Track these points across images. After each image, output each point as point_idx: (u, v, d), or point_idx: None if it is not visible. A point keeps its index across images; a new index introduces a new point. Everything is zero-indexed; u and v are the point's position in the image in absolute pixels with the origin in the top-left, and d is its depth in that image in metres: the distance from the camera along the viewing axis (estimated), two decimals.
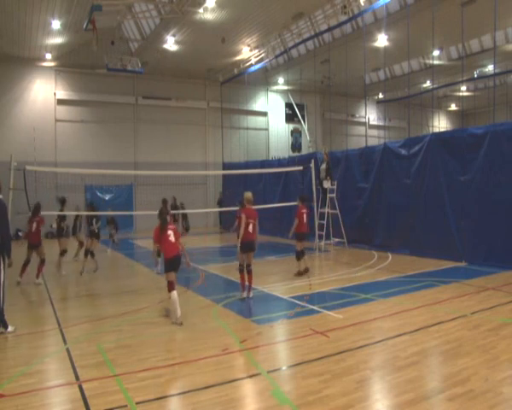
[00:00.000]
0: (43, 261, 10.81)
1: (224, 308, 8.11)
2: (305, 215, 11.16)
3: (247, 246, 8.69)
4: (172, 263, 7.38)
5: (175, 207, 16.60)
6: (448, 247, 12.42)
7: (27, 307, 8.43)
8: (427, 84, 28.06)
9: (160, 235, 7.39)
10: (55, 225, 22.15)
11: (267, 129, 29.44)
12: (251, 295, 8.80)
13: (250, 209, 8.91)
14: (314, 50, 22.09)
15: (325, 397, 4.49)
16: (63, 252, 12.32)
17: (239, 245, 8.64)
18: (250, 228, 8.65)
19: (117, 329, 7.08)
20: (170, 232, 7.42)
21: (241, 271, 8.86)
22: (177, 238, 7.49)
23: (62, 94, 23.03)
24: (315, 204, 15.42)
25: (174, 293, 7.24)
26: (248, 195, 9.09)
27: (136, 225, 24.00)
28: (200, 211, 20.01)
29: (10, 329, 6.87)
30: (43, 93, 22.64)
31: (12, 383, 5.02)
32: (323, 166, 15.64)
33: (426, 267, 11.54)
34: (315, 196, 15.50)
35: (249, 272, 8.81)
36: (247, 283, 8.83)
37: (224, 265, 13.13)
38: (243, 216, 8.68)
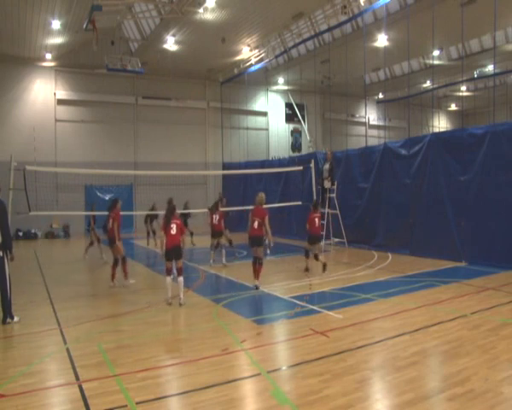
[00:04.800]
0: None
1: (224, 308, 8.11)
2: (316, 219, 11.35)
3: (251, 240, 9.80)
4: (169, 253, 8.49)
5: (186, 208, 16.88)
6: (448, 247, 12.41)
7: (27, 307, 8.43)
8: (427, 84, 28.05)
9: (165, 226, 8.50)
10: (55, 225, 22.32)
11: (267, 129, 29.43)
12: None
13: (258, 208, 9.82)
14: (314, 50, 22.09)
15: (325, 397, 4.49)
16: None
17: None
18: (255, 224, 9.61)
19: (117, 329, 7.08)
20: (173, 226, 8.44)
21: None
22: (178, 232, 8.50)
23: (62, 94, 23.02)
24: None
25: (167, 278, 8.55)
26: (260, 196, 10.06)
27: (136, 226, 23.97)
28: (200, 211, 19.98)
29: (16, 319, 7.37)
30: (43, 93, 22.63)
31: (12, 383, 5.02)
32: (326, 166, 15.56)
33: (426, 267, 11.54)
34: (315, 196, 15.49)
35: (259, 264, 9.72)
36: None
37: (225, 265, 13.10)
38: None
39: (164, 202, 12.20)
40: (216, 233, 12.78)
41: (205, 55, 22.13)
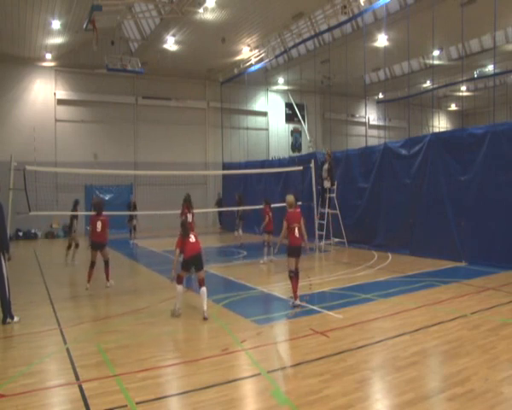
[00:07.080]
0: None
1: (224, 308, 8.11)
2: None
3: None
4: (188, 262, 7.72)
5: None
6: (448, 247, 12.41)
7: (27, 306, 8.43)
8: (427, 84, 28.06)
9: (183, 241, 7.68)
10: (55, 225, 22.31)
11: (267, 129, 29.42)
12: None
13: (295, 213, 8.46)
14: (314, 50, 22.08)
15: (325, 397, 4.49)
16: (76, 245, 13.53)
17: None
18: (296, 232, 8.28)
19: (117, 329, 7.08)
20: (191, 235, 7.75)
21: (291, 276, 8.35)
22: (198, 240, 7.83)
23: (62, 94, 23.01)
24: (315, 204, 15.42)
25: (178, 287, 7.65)
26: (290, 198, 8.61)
27: (136, 225, 23.97)
28: (200, 211, 19.99)
29: (16, 319, 7.36)
30: (43, 93, 22.62)
31: (12, 383, 5.02)
32: (325, 167, 15.59)
33: (426, 267, 11.54)
34: (315, 195, 15.49)
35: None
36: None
37: (225, 265, 13.12)
38: (285, 222, 8.32)
39: (164, 202, 12.24)
40: (268, 231, 13.26)
41: (205, 55, 22.13)
